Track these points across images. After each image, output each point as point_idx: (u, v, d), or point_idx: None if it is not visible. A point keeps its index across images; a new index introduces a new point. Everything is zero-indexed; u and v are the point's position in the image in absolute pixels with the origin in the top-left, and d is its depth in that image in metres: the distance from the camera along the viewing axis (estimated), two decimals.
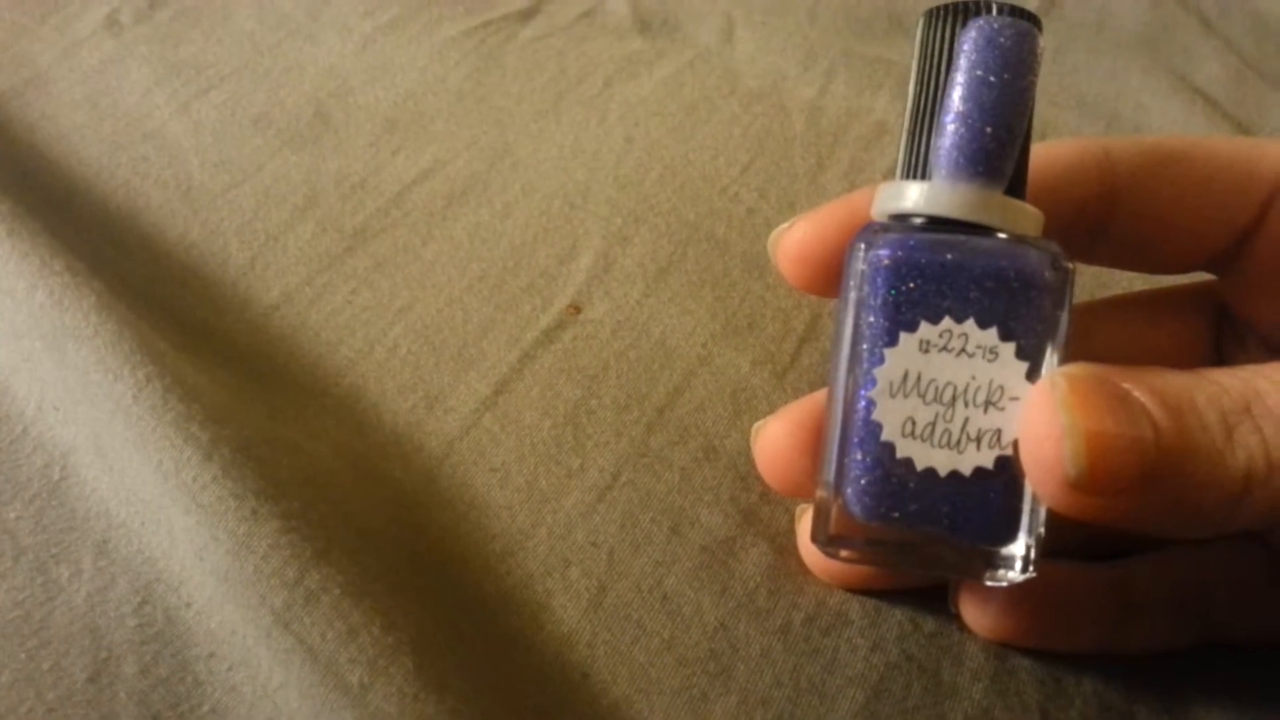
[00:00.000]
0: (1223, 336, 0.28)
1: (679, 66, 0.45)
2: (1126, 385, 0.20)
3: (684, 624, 0.27)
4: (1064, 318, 0.22)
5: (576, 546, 0.29)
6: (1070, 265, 0.22)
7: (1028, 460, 0.21)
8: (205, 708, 0.25)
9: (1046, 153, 0.25)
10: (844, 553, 0.24)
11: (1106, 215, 0.26)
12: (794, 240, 0.26)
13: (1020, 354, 0.21)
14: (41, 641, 0.25)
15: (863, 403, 0.22)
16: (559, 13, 0.48)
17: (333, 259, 0.36)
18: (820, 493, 0.24)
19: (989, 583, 0.23)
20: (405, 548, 0.28)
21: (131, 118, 0.41)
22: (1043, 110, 0.44)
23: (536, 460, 0.30)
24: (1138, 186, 0.26)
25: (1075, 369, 0.20)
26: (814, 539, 0.24)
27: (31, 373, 0.30)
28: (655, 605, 0.27)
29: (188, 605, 0.26)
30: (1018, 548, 0.22)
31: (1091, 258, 0.27)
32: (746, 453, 0.31)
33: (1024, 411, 0.21)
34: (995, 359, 0.22)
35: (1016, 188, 0.22)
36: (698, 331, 0.34)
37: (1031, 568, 0.22)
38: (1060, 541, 0.26)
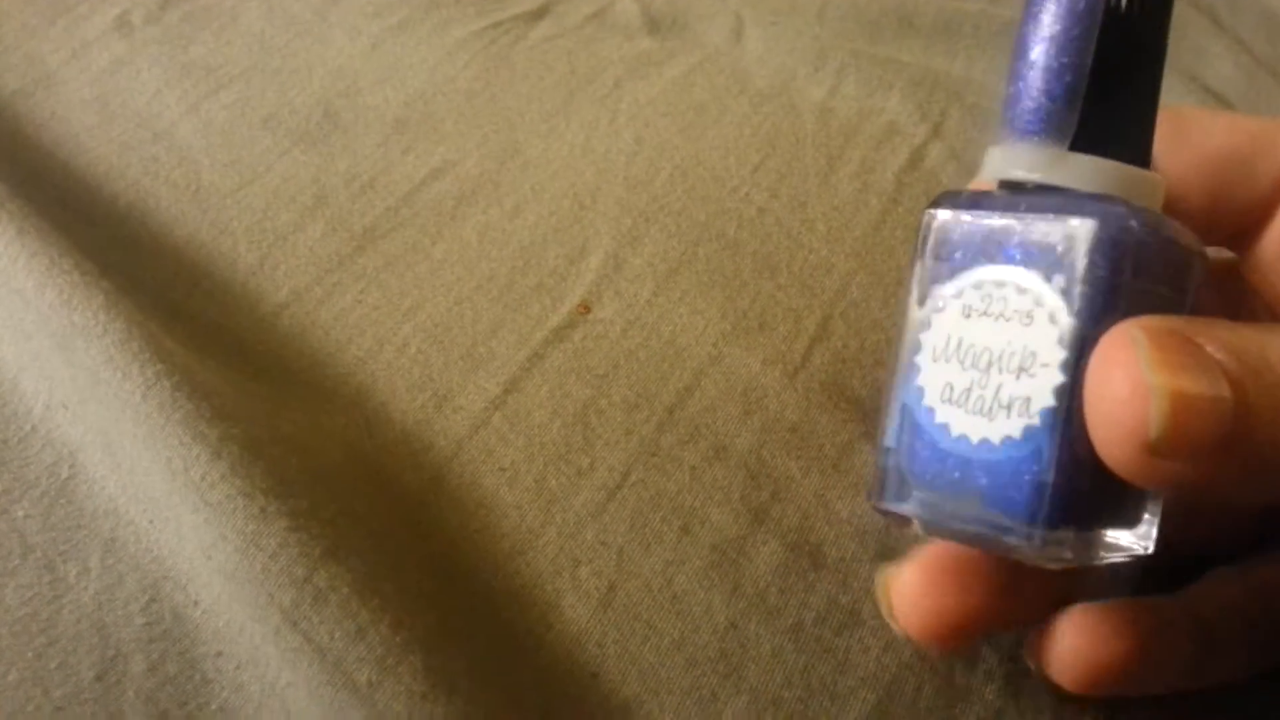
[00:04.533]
0: (1240, 315, 0.27)
1: (689, 67, 0.45)
2: (1200, 340, 0.19)
3: (694, 624, 0.27)
4: (1119, 282, 0.20)
5: (586, 546, 0.28)
6: (1134, 225, 0.20)
7: (1099, 422, 0.19)
8: (213, 706, 0.25)
9: None
10: (900, 518, 0.23)
11: None
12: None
13: (1057, 318, 0.20)
14: (49, 640, 0.25)
15: (911, 369, 0.22)
16: (568, 13, 0.48)
17: (342, 258, 0.36)
18: (878, 456, 0.23)
19: (1050, 565, 0.22)
20: (414, 546, 0.28)
21: (141, 118, 0.41)
22: None
23: (546, 459, 0.30)
24: (1160, 164, 0.25)
25: (1151, 321, 0.19)
26: (870, 499, 0.23)
27: (40, 371, 0.30)
28: (665, 605, 0.27)
29: (196, 603, 0.26)
30: (1068, 529, 0.21)
31: None
32: (757, 451, 0.30)
33: (1094, 368, 0.19)
34: (1031, 323, 0.21)
35: (1096, 144, 0.21)
36: (708, 331, 0.34)
37: (1100, 554, 0.21)
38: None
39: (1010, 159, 0.22)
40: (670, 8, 0.49)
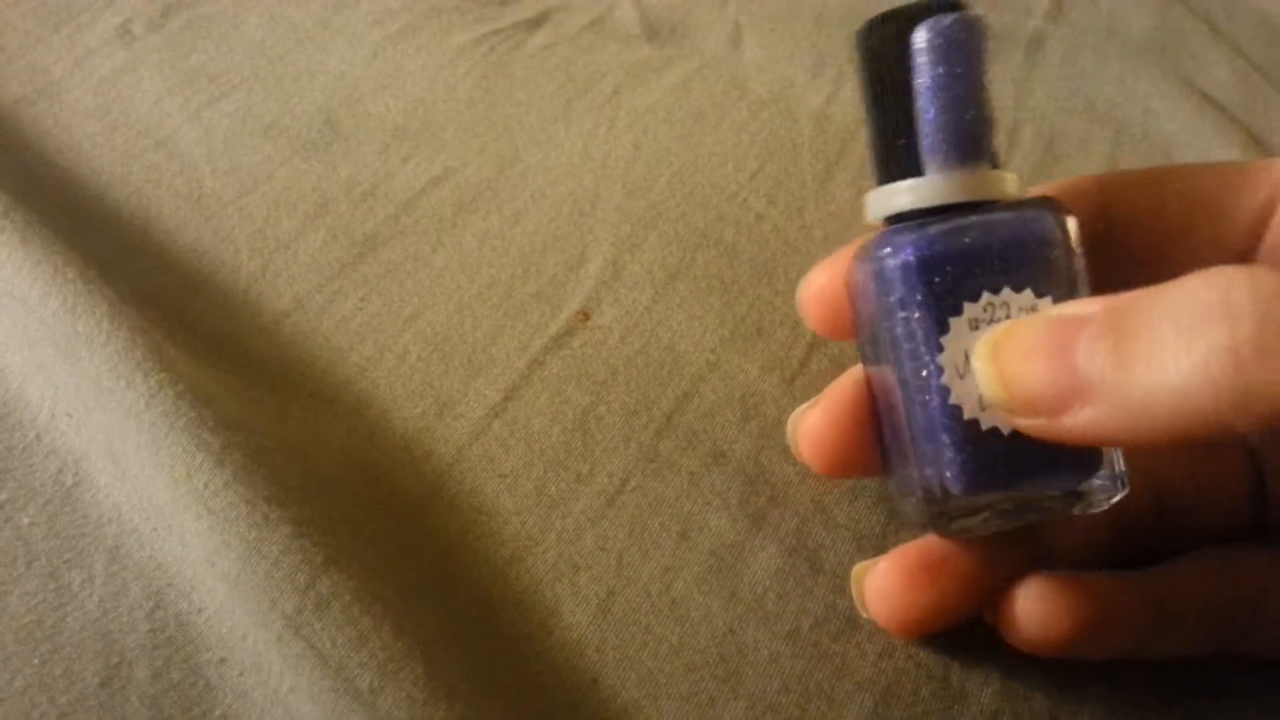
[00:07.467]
0: None
1: (687, 73, 0.45)
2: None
3: (692, 629, 0.27)
4: (1079, 261, 0.23)
5: (585, 552, 0.29)
6: (1071, 213, 0.23)
7: None
8: (216, 713, 0.25)
9: (1039, 191, 0.26)
10: (954, 526, 0.25)
11: (1109, 242, 0.26)
12: (818, 286, 0.27)
13: (1057, 304, 0.22)
14: (54, 647, 0.26)
15: (936, 393, 0.23)
16: (567, 21, 0.48)
17: (343, 266, 0.36)
18: (905, 487, 0.25)
19: (1091, 510, 0.24)
20: (415, 553, 0.28)
21: (143, 126, 0.41)
22: (1051, 116, 0.44)
23: (545, 466, 0.31)
24: (1136, 208, 0.26)
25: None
26: (922, 528, 0.25)
27: (45, 379, 0.31)
28: (664, 610, 0.27)
29: (199, 610, 0.26)
30: (1106, 471, 0.23)
31: (1101, 286, 0.27)
32: (755, 457, 0.31)
33: None
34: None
35: (995, 161, 0.24)
36: (706, 337, 0.34)
37: (1124, 485, 0.24)
38: (1090, 550, 0.26)
39: (948, 185, 0.23)
40: (668, 15, 0.49)
